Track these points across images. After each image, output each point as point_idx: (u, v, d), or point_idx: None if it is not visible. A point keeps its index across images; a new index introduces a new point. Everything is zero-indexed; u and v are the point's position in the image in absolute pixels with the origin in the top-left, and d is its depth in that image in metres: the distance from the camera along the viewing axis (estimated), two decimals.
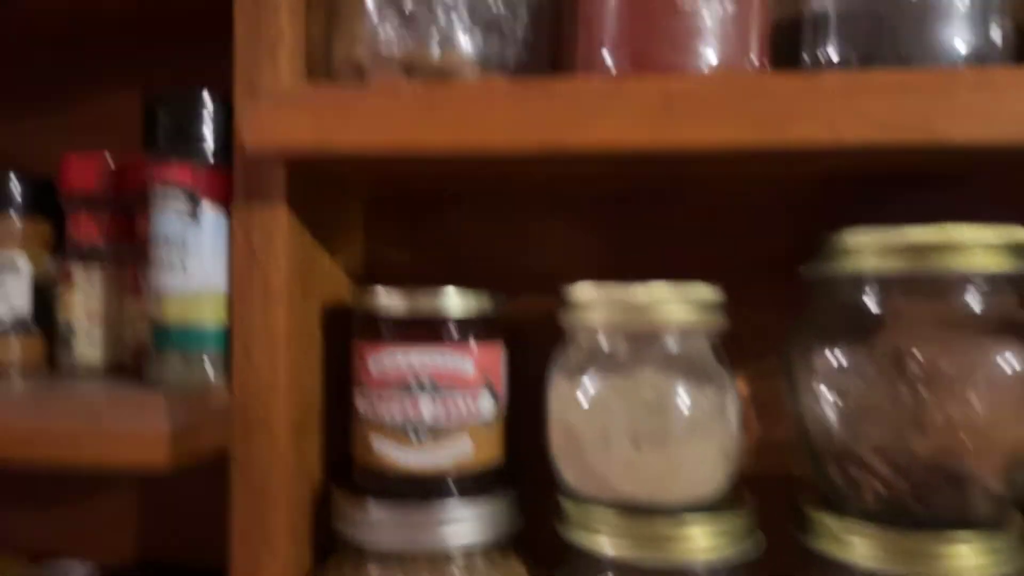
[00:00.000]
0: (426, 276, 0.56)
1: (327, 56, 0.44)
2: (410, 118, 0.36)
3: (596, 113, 0.35)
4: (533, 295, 0.54)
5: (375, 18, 0.42)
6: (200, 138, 0.43)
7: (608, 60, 0.42)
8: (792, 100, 0.34)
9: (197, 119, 0.42)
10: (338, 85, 0.38)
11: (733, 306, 0.43)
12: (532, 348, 0.46)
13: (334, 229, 0.50)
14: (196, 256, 0.42)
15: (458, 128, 0.36)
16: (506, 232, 0.55)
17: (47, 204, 0.53)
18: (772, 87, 0.35)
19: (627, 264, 0.54)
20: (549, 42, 0.44)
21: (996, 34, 0.41)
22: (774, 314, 0.46)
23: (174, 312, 0.43)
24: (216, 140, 0.43)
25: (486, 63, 0.42)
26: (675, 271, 0.53)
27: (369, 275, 0.55)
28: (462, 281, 0.56)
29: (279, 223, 0.42)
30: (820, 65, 0.42)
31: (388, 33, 0.42)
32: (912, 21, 0.40)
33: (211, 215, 0.43)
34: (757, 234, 0.52)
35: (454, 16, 0.42)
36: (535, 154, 0.36)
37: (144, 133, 0.44)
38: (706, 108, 0.35)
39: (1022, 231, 0.37)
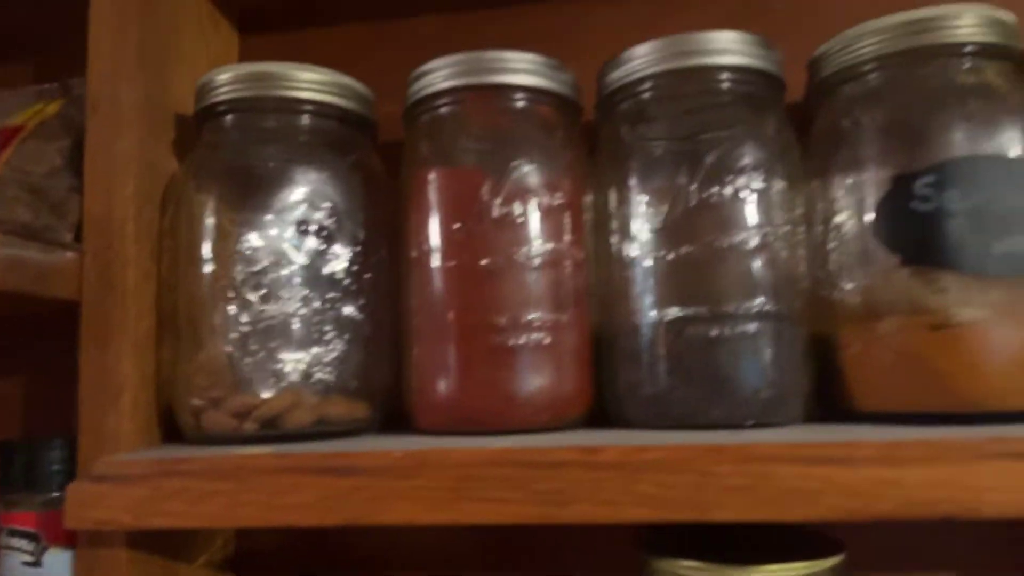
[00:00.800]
0: (295, 560, 0.57)
1: (172, 389, 0.47)
2: (223, 501, 0.38)
3: (396, 495, 0.38)
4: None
5: (209, 364, 0.45)
6: (48, 485, 0.45)
7: (438, 385, 0.45)
8: (573, 479, 0.37)
9: (46, 465, 0.45)
10: (161, 461, 0.40)
11: None
12: None
13: (192, 543, 0.51)
14: None
15: (267, 508, 0.38)
16: None
17: None
18: (556, 461, 0.37)
19: (506, 543, 0.55)
20: (389, 363, 0.48)
21: (793, 372, 0.44)
22: None
23: None
24: (66, 483, 0.45)
25: (322, 394, 0.45)
26: (546, 546, 0.55)
27: (241, 562, 0.56)
28: (331, 566, 0.57)
29: (120, 566, 0.43)
30: (630, 387, 0.45)
31: (221, 379, 0.45)
32: (706, 360, 0.44)
33: (56, 556, 0.44)
34: None
35: (283, 359, 0.45)
36: (341, 527, 0.38)
37: None
38: (492, 489, 0.37)
39: None
